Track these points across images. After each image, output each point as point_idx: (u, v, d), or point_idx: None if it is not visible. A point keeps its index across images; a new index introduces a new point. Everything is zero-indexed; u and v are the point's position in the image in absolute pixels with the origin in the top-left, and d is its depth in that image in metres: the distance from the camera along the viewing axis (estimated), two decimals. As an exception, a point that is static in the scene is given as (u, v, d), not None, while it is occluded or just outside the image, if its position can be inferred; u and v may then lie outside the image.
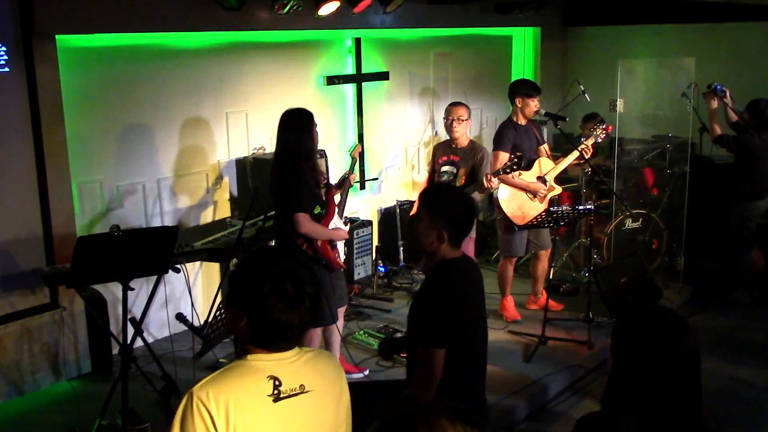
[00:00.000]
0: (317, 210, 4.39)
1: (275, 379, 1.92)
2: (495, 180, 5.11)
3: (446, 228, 2.88)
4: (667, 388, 2.00)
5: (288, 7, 5.47)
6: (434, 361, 2.78)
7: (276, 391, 1.91)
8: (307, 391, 1.96)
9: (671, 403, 2.01)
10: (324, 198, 4.48)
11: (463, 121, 5.43)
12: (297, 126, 4.32)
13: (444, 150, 5.57)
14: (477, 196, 5.42)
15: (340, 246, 4.65)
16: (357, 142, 5.35)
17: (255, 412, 1.88)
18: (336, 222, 4.57)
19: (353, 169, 5.06)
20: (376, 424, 1.33)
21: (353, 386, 2.19)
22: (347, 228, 4.77)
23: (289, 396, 1.93)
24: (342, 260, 4.65)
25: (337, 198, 4.73)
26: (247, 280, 1.94)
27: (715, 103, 6.25)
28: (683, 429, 2.03)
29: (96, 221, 5.23)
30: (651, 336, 2.03)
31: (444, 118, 5.59)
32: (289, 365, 1.97)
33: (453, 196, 3.01)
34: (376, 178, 7.19)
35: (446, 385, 2.83)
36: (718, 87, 6.23)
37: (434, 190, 3.21)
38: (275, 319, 1.89)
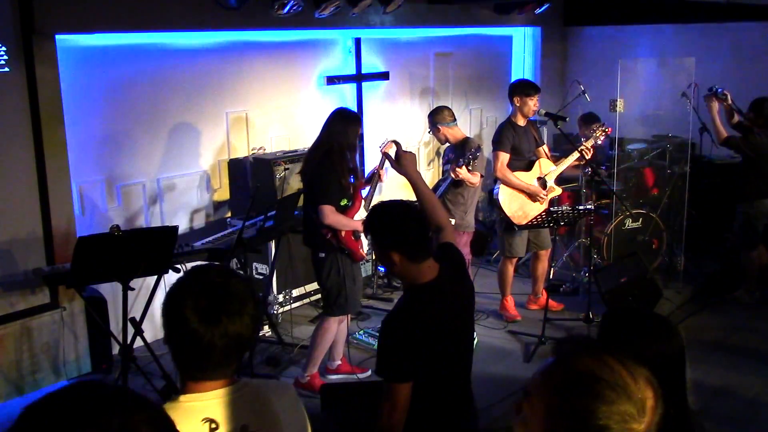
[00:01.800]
0: (343, 202, 4.53)
1: (211, 421, 1.68)
2: (461, 170, 5.15)
3: (397, 249, 2.57)
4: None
5: (288, 7, 5.47)
6: (396, 396, 2.54)
7: None
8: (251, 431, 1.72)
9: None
10: (351, 191, 4.59)
11: (434, 133, 5.53)
12: (344, 123, 4.51)
13: (447, 151, 5.70)
14: (474, 193, 5.45)
15: (364, 238, 4.72)
16: (389, 139, 5.35)
17: None
18: (362, 214, 4.67)
19: (383, 164, 5.10)
20: (551, 360, 1.32)
21: (354, 387, 2.17)
22: None
23: None
24: (365, 252, 4.74)
25: (365, 192, 4.82)
26: (170, 295, 1.71)
27: (716, 106, 6.23)
28: (671, 428, 2.04)
29: (96, 221, 5.23)
30: (637, 339, 2.04)
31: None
32: (228, 404, 1.71)
33: (396, 215, 2.64)
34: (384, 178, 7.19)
35: (417, 416, 2.60)
36: (719, 90, 6.20)
37: (374, 211, 2.75)
38: (191, 336, 1.65)
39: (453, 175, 5.14)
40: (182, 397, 1.70)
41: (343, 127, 4.49)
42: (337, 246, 4.52)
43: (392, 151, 3.35)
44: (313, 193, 4.51)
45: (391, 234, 2.60)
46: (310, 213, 4.53)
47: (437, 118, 5.52)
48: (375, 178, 5.02)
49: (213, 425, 1.67)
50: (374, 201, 5.19)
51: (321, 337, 4.68)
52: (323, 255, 4.56)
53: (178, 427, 1.54)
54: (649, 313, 2.21)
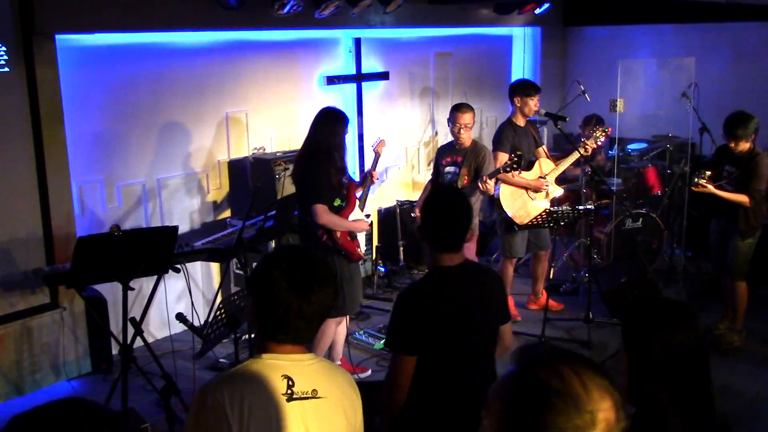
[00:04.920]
0: (337, 202, 4.51)
1: (289, 378, 1.88)
2: (491, 182, 5.10)
3: (424, 235, 2.79)
4: (683, 378, 2.05)
5: (288, 7, 5.47)
6: (400, 367, 2.66)
7: (290, 391, 1.88)
8: (319, 397, 1.92)
9: (687, 393, 2.05)
10: (345, 191, 4.57)
11: (470, 128, 5.42)
12: (330, 123, 4.49)
13: (448, 151, 5.56)
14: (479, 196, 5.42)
15: (361, 238, 4.74)
16: (381, 138, 5.34)
17: (269, 410, 1.85)
18: (356, 215, 4.67)
19: (376, 165, 5.11)
20: (514, 370, 1.32)
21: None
22: (369, 221, 4.85)
23: (302, 398, 1.89)
24: (362, 252, 4.73)
25: (358, 193, 4.83)
26: (262, 264, 1.94)
27: (711, 187, 5.27)
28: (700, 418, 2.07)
29: (96, 221, 5.23)
30: (664, 328, 2.07)
31: (449, 122, 5.51)
32: (303, 367, 1.93)
33: (436, 202, 2.83)
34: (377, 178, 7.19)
35: (419, 395, 2.69)
36: (700, 177, 5.24)
37: (431, 192, 3.02)
38: (279, 301, 1.86)
39: (483, 187, 5.07)
40: (265, 356, 1.92)
41: (330, 127, 4.47)
42: (333, 247, 4.50)
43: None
44: (305, 194, 4.49)
45: (422, 220, 2.83)
46: (304, 216, 4.51)
47: (467, 117, 5.36)
48: (368, 178, 5.02)
49: (290, 382, 1.89)
50: (368, 201, 5.20)
51: (319, 339, 4.67)
52: None
53: (261, 379, 1.89)
54: (670, 302, 2.26)
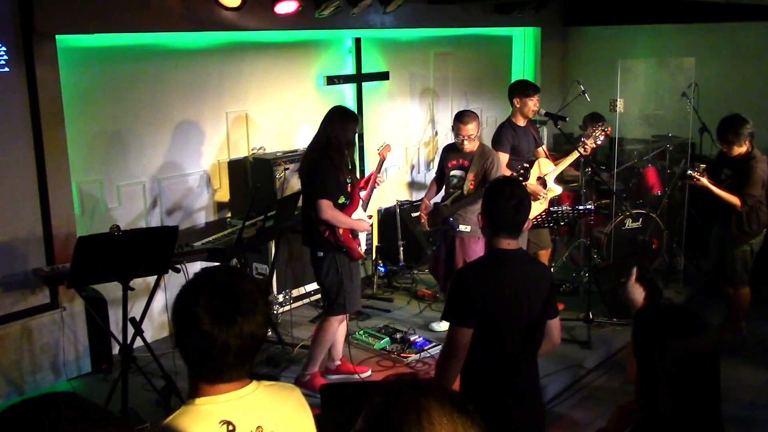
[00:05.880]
0: (341, 200, 4.55)
1: (228, 423, 1.68)
2: None
3: (486, 218, 2.96)
4: (694, 385, 2.02)
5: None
6: (457, 339, 2.84)
7: None
8: None
9: (696, 400, 2.03)
10: (349, 190, 4.62)
11: (473, 138, 5.33)
12: (342, 120, 4.56)
13: (454, 154, 5.41)
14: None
15: (363, 238, 4.77)
16: (386, 143, 5.32)
17: None
18: (359, 214, 4.70)
19: (380, 168, 5.12)
20: (370, 402, 1.33)
21: (354, 387, 2.18)
22: (371, 221, 4.89)
23: None
24: (363, 251, 4.75)
25: (362, 192, 4.87)
26: (182, 294, 1.72)
27: (704, 180, 5.31)
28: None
29: (96, 221, 5.23)
30: (680, 336, 2.03)
31: (453, 131, 5.37)
32: (244, 405, 1.72)
33: (502, 189, 2.98)
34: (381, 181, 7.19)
35: (471, 369, 2.88)
36: (692, 169, 5.34)
37: (495, 181, 3.29)
38: (205, 337, 1.64)
39: None
40: (197, 401, 1.70)
41: (341, 125, 4.53)
42: (335, 244, 4.54)
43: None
44: (311, 189, 4.53)
45: (485, 204, 2.99)
46: (308, 211, 4.55)
47: (470, 128, 5.24)
48: (371, 181, 5.04)
49: (230, 427, 1.67)
50: (371, 203, 5.20)
51: (321, 337, 4.70)
52: (321, 254, 4.58)
53: (196, 430, 1.64)
54: (682, 309, 2.24)
